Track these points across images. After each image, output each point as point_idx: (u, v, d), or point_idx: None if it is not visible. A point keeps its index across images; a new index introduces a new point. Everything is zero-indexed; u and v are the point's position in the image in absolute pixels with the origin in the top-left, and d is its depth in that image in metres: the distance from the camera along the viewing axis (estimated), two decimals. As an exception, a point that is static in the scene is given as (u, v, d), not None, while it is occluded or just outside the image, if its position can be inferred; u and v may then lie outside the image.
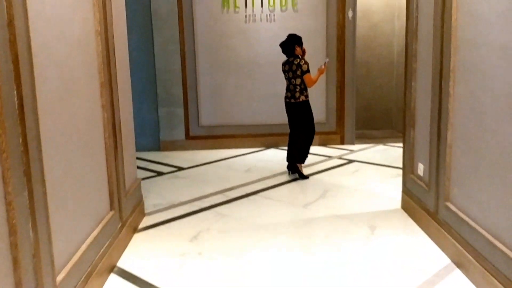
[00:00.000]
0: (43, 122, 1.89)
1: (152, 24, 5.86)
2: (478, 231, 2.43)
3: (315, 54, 6.00)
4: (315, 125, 4.82)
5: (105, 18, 2.75)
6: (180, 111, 6.04)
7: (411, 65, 3.56)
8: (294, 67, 4.58)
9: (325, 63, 4.82)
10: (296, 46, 4.64)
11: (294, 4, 5.92)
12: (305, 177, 4.62)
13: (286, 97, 4.76)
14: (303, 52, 4.71)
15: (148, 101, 6.05)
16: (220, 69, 6.05)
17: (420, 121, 3.38)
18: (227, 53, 6.01)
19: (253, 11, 5.92)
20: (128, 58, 3.44)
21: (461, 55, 2.66)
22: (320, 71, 4.74)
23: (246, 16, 5.92)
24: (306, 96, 4.66)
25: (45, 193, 1.87)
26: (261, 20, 5.95)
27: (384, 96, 7.29)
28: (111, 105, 2.86)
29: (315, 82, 4.64)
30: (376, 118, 7.35)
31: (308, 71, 4.57)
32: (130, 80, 3.47)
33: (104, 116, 2.74)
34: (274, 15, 5.94)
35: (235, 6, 5.90)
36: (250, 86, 6.10)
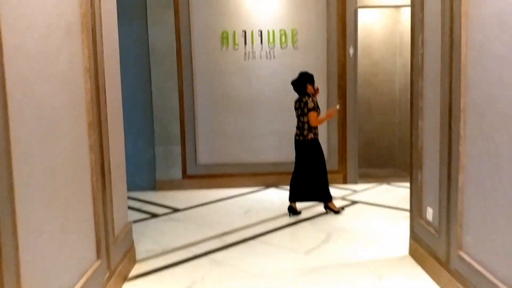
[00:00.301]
0: (17, 168, 1.71)
1: (149, 60, 5.77)
2: (494, 283, 2.21)
3: (315, 91, 5.88)
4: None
5: (95, 54, 2.62)
6: (177, 149, 5.87)
7: (417, 104, 3.40)
8: (302, 105, 4.57)
9: (335, 108, 4.79)
10: (307, 84, 4.63)
11: (294, 42, 5.85)
12: (338, 211, 4.64)
13: (295, 135, 4.70)
14: (316, 90, 4.71)
15: (145, 138, 5.89)
16: (219, 106, 5.92)
17: (428, 162, 3.20)
18: (226, 90, 5.90)
19: (252, 48, 5.85)
20: (120, 96, 3.30)
21: (471, 94, 2.50)
22: (328, 114, 4.74)
23: (245, 53, 5.84)
24: (315, 134, 4.62)
25: (16, 247, 1.67)
26: (260, 57, 5.87)
27: (386, 134, 7.14)
28: (100, 146, 2.69)
29: (319, 122, 4.60)
30: (378, 156, 7.18)
31: (313, 109, 4.52)
32: (122, 119, 3.31)
33: (92, 158, 2.57)
34: (274, 52, 5.86)
35: (235, 43, 5.82)
36: (249, 123, 5.95)
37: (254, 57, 5.86)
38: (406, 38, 6.52)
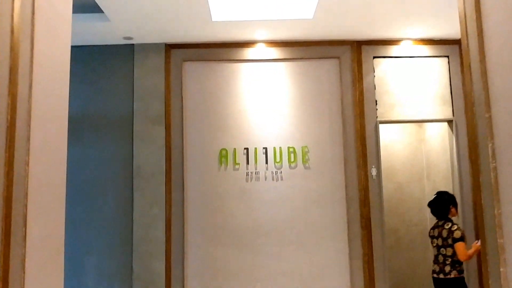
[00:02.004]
0: None
1: (133, 183, 4.82)
2: None
3: (332, 223, 4.82)
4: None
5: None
6: (161, 293, 4.65)
7: (493, 241, 2.31)
8: (445, 233, 3.83)
9: (478, 242, 3.89)
10: (451, 207, 3.97)
11: (305, 161, 4.93)
12: None
13: (433, 272, 3.95)
14: (457, 214, 4.07)
15: (120, 280, 4.69)
16: (214, 239, 4.81)
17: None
18: (223, 219, 4.84)
19: (256, 168, 4.92)
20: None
21: None
22: (476, 249, 3.82)
23: (247, 173, 4.90)
24: (460, 272, 3.79)
25: None
26: (265, 179, 4.91)
27: (419, 273, 5.87)
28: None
29: (469, 257, 3.77)
30: (412, 300, 5.82)
31: (461, 239, 3.76)
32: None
33: None
34: (281, 172, 4.91)
35: (235, 163, 4.91)
36: (252, 261, 4.78)
37: (258, 179, 4.90)
38: (433, 158, 5.61)
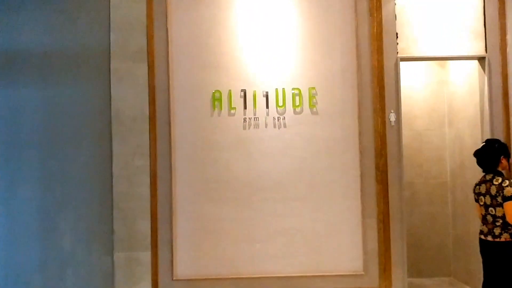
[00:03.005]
0: None
1: (111, 130, 4.12)
2: None
3: (343, 176, 4.18)
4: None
5: None
6: (146, 256, 4.05)
7: None
8: (494, 190, 3.20)
9: None
10: (501, 157, 3.37)
11: (312, 105, 4.22)
12: None
13: (481, 232, 3.34)
14: (509, 166, 3.48)
15: (100, 241, 4.10)
16: (207, 195, 4.17)
17: None
18: (217, 172, 4.18)
19: (255, 113, 4.21)
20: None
21: None
22: None
23: (245, 120, 4.20)
24: None
25: None
26: (266, 126, 4.21)
27: (437, 230, 5.30)
28: None
29: None
30: (427, 260, 5.29)
31: None
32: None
33: None
34: (284, 118, 4.21)
35: (230, 107, 4.20)
36: (249, 220, 4.16)
37: (257, 126, 4.20)
38: (457, 102, 4.91)
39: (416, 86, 5.43)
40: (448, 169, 5.32)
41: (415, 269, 5.24)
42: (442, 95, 5.40)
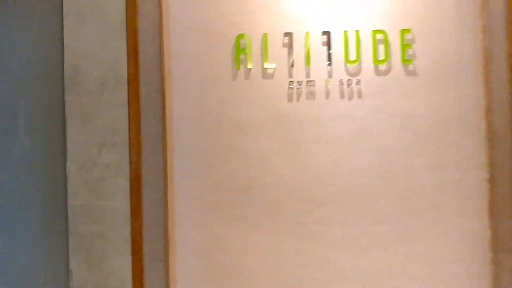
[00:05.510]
0: None
1: (64, 104, 2.43)
2: None
3: (458, 179, 2.45)
4: None
5: None
6: (122, 262, 2.40)
7: None
8: None
9: None
10: None
11: (406, 59, 2.48)
12: None
13: None
14: None
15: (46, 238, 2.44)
16: (226, 212, 2.48)
17: None
18: (244, 175, 2.49)
19: (308, 73, 2.50)
20: None
21: None
22: None
23: (291, 85, 2.49)
24: None
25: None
26: (327, 96, 2.49)
27: None
28: None
29: None
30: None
31: None
32: None
33: None
34: (359, 82, 2.49)
35: (266, 63, 2.48)
36: (298, 254, 2.47)
37: (312, 95, 2.49)
38: None
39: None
40: None
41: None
42: None
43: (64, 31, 2.45)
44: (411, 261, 2.45)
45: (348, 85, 2.48)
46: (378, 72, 2.49)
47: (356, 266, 2.45)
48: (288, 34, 2.49)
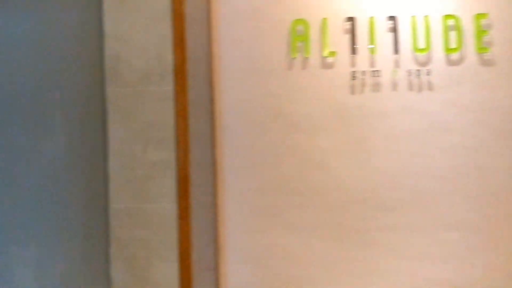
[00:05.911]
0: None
1: (104, 98, 2.23)
2: None
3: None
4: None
5: None
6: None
7: None
8: None
9: None
10: None
11: (481, 47, 2.25)
12: None
13: None
14: None
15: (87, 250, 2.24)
16: (283, 217, 2.28)
17: None
18: (302, 176, 2.29)
19: (372, 62, 2.27)
20: None
21: None
22: None
23: (354, 75, 2.28)
24: None
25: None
26: (394, 87, 2.27)
27: None
28: None
29: None
30: None
31: None
32: None
33: None
34: (429, 73, 2.27)
35: (326, 50, 2.26)
36: (367, 265, 2.26)
37: (377, 87, 2.28)
38: None
39: None
40: None
41: None
42: None
43: (104, 16, 2.25)
44: (491, 273, 2.20)
45: (417, 76, 2.26)
46: (449, 62, 2.26)
47: (427, 280, 2.21)
48: (350, 19, 2.27)
